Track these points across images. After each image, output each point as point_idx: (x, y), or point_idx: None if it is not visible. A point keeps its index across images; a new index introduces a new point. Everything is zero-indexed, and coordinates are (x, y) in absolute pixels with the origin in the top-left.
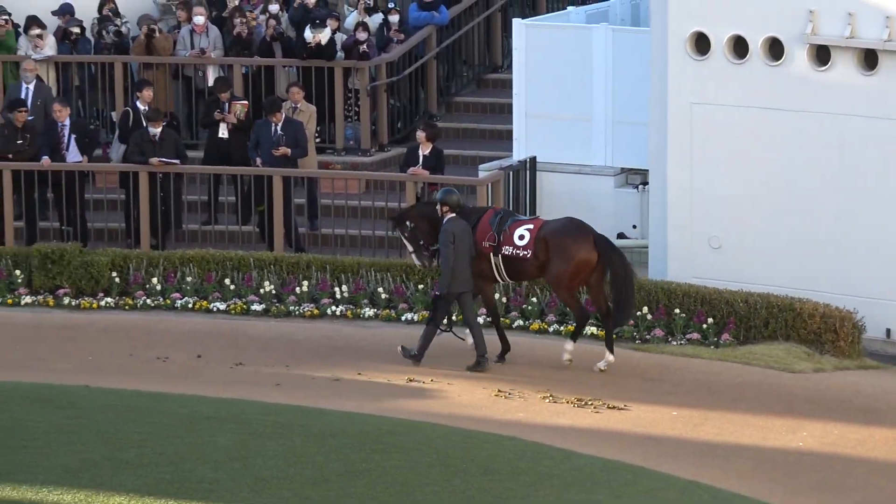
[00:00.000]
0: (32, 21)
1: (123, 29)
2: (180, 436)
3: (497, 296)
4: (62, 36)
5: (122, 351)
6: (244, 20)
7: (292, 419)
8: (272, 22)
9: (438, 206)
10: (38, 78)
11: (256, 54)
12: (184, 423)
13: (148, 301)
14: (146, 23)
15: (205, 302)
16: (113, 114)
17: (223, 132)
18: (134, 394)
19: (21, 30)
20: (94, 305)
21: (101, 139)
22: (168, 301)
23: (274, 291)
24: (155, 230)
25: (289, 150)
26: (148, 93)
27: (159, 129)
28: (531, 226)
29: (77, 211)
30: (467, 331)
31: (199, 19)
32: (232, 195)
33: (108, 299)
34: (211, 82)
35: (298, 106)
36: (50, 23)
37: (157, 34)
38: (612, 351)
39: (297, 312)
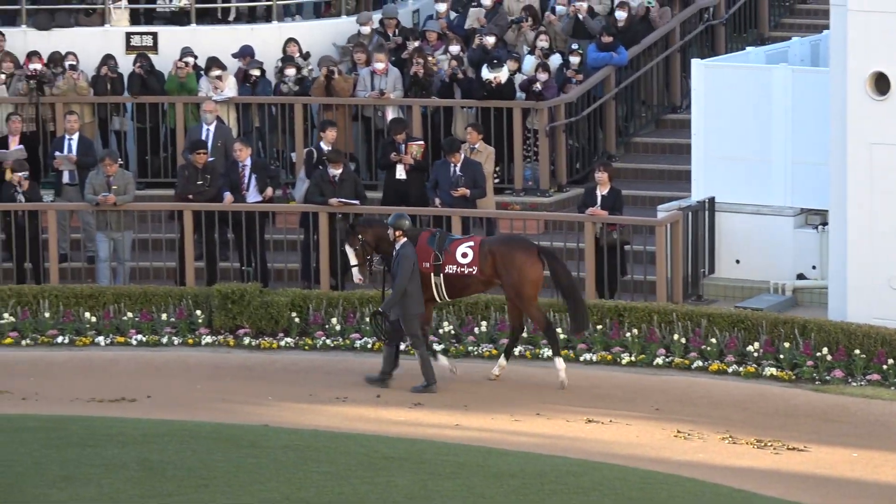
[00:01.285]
0: (213, 63)
1: (305, 71)
2: (360, 476)
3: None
4: (242, 77)
5: (301, 391)
6: (422, 61)
7: (471, 459)
8: (454, 63)
9: (391, 231)
10: (219, 119)
11: (436, 95)
12: (363, 464)
13: (327, 341)
14: (326, 64)
15: None
16: (292, 154)
17: (401, 173)
18: (314, 433)
19: (202, 71)
20: (274, 345)
21: (281, 180)
22: (347, 341)
23: (453, 331)
24: (334, 270)
25: (468, 191)
26: (332, 133)
27: (339, 170)
28: (471, 243)
29: (257, 251)
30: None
31: (380, 65)
32: None
33: (288, 339)
34: None
35: (476, 146)
36: (231, 64)
37: (337, 75)
38: (558, 354)
39: (475, 353)
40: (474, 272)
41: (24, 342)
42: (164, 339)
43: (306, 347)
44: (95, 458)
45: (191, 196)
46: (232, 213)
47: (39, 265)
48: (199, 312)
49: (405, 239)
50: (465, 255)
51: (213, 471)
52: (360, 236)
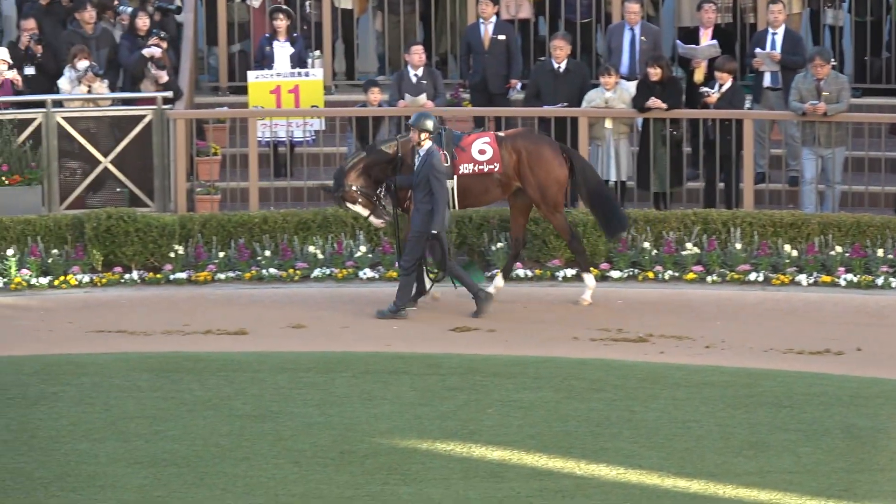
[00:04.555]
0: None
1: None
2: None
3: None
4: None
5: None
6: None
7: None
8: None
9: (415, 134)
10: None
11: None
12: None
13: None
14: None
15: None
16: None
17: None
18: None
19: None
20: None
21: None
22: None
23: None
24: None
25: None
26: None
27: None
28: (487, 138)
29: None
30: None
31: None
32: None
33: None
34: None
35: None
36: None
37: None
38: (587, 269)
39: None
40: (496, 170)
41: (708, 278)
42: (880, 280)
43: None
44: (791, 421)
45: None
46: None
47: (732, 185)
48: None
49: (430, 143)
50: (482, 152)
51: None
52: (352, 187)
